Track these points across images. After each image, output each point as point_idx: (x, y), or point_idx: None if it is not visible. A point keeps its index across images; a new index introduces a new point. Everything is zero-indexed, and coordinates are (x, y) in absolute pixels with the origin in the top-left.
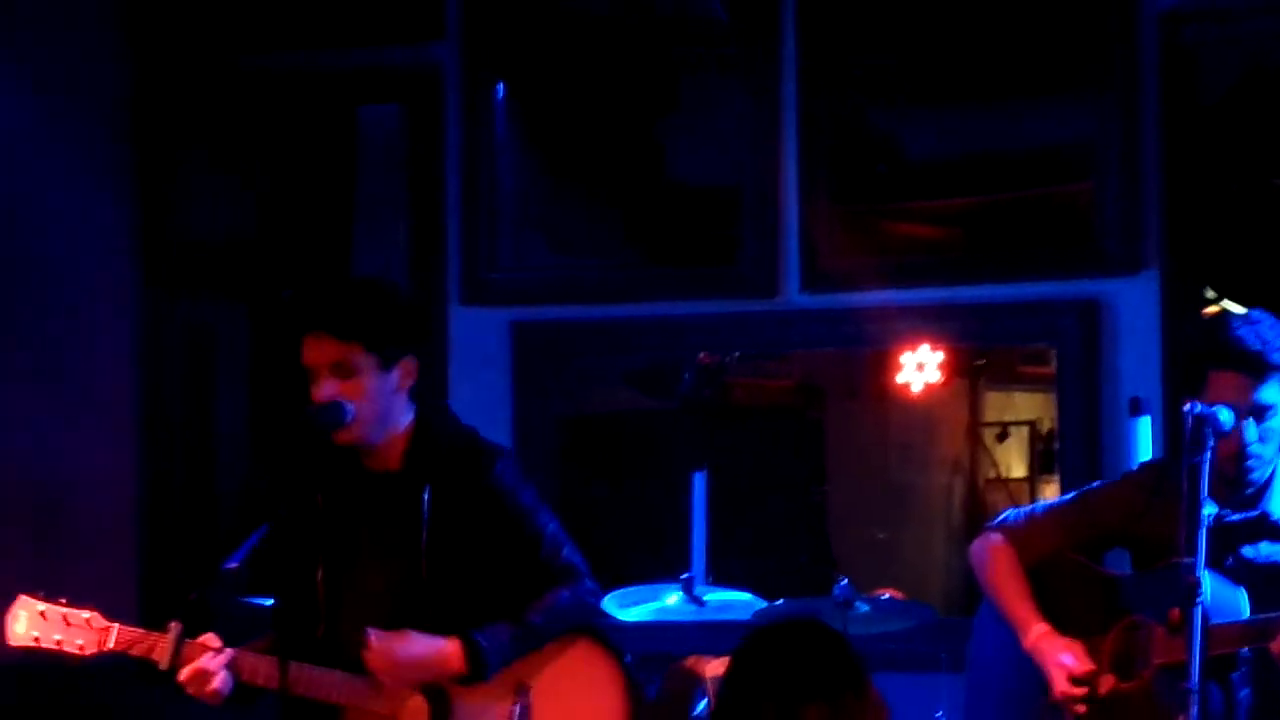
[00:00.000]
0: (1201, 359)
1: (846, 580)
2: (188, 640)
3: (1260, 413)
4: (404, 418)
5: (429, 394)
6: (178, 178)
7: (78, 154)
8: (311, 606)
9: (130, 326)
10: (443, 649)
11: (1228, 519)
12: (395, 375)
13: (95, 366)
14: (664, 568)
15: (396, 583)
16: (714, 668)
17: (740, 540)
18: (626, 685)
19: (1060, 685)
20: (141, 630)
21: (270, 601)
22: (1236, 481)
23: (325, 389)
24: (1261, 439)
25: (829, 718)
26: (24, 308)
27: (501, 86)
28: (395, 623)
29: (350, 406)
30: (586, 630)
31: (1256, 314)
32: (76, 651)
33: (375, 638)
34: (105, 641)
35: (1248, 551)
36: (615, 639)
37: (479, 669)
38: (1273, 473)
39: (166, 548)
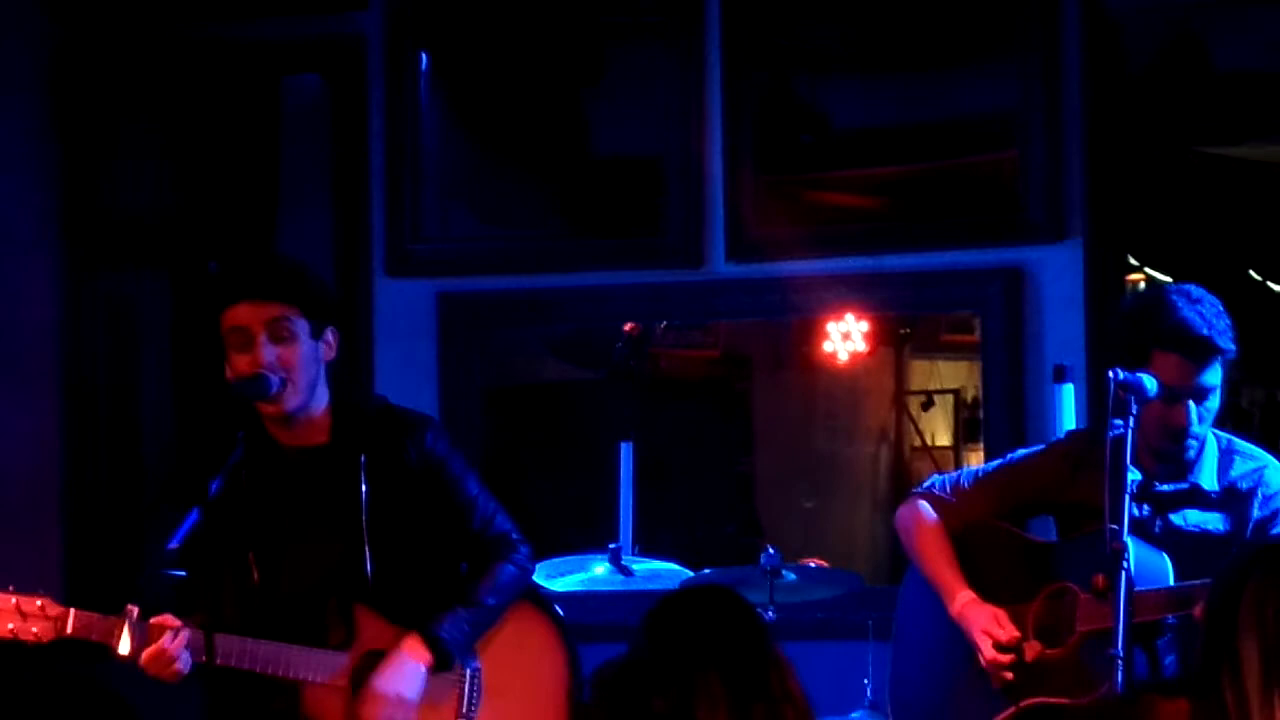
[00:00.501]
0: (1146, 338)
1: (773, 549)
2: (145, 623)
3: (1202, 394)
4: (324, 392)
5: (353, 366)
6: (100, 149)
7: None
8: (246, 584)
9: (52, 299)
10: (408, 653)
11: (1156, 488)
12: (321, 346)
13: (18, 341)
14: (592, 538)
15: (335, 557)
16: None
17: (667, 510)
18: (564, 640)
19: (987, 653)
20: (98, 615)
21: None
22: (1173, 458)
23: (263, 354)
24: (1200, 420)
25: (722, 685)
26: None
27: (425, 56)
28: (335, 595)
29: (275, 378)
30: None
31: (1197, 292)
32: (31, 639)
33: (359, 706)
34: (62, 628)
35: (1175, 519)
36: (546, 595)
37: (445, 659)
38: (1201, 443)
39: (90, 524)
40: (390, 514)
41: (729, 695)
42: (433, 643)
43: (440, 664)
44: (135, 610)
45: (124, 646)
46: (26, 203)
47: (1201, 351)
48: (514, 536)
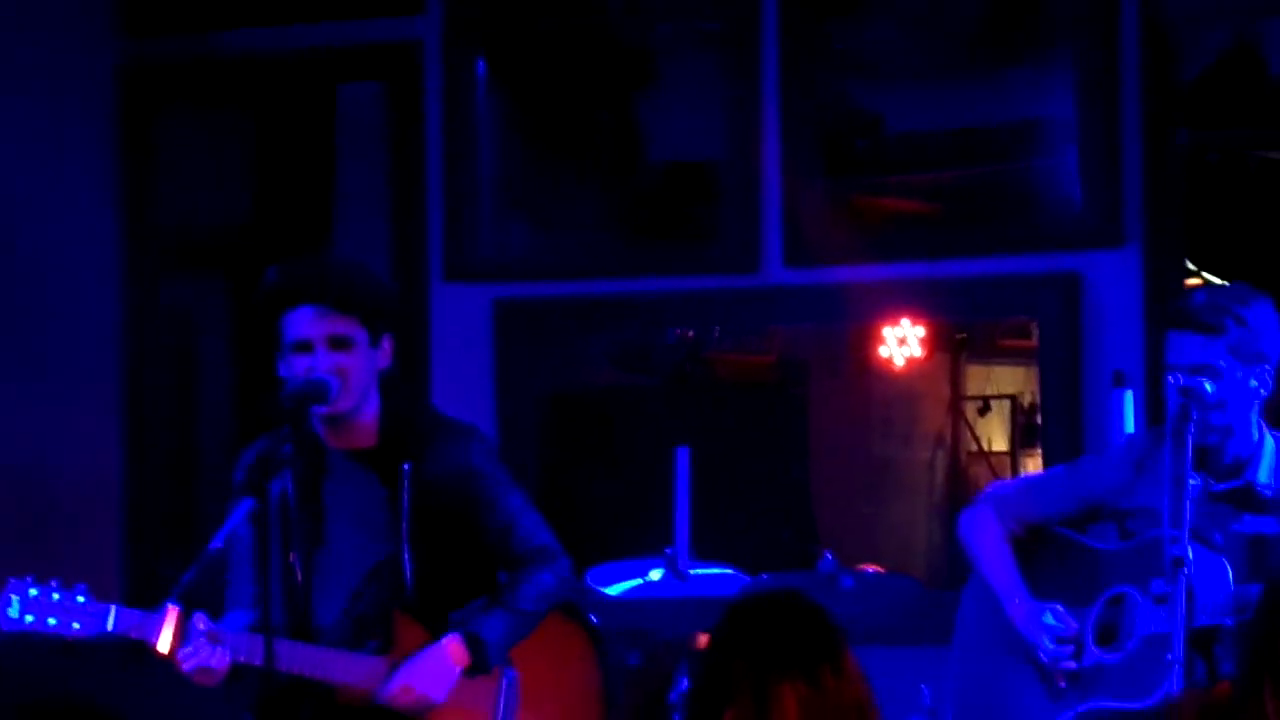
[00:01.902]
0: (1163, 324)
1: (830, 554)
2: (185, 622)
3: (1216, 374)
4: (374, 397)
5: (410, 372)
6: (159, 159)
7: (60, 136)
8: (289, 585)
9: (113, 309)
10: (445, 651)
11: (1213, 489)
12: (378, 354)
13: (79, 349)
14: (647, 544)
15: (374, 560)
16: (700, 643)
17: (723, 516)
18: (599, 655)
19: (1048, 647)
20: (140, 612)
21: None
22: (1211, 449)
23: (324, 360)
24: (1221, 395)
25: (805, 691)
26: (6, 292)
27: (482, 62)
28: (376, 602)
29: (335, 381)
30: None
31: (1231, 284)
32: (72, 634)
33: (383, 693)
34: (103, 624)
35: (1234, 523)
36: (585, 610)
37: (483, 661)
38: (1259, 442)
39: (150, 529)
40: (432, 522)
41: (800, 706)
42: (473, 643)
43: (477, 665)
44: (176, 610)
45: (164, 644)
46: (87, 212)
47: (1209, 327)
48: (554, 549)
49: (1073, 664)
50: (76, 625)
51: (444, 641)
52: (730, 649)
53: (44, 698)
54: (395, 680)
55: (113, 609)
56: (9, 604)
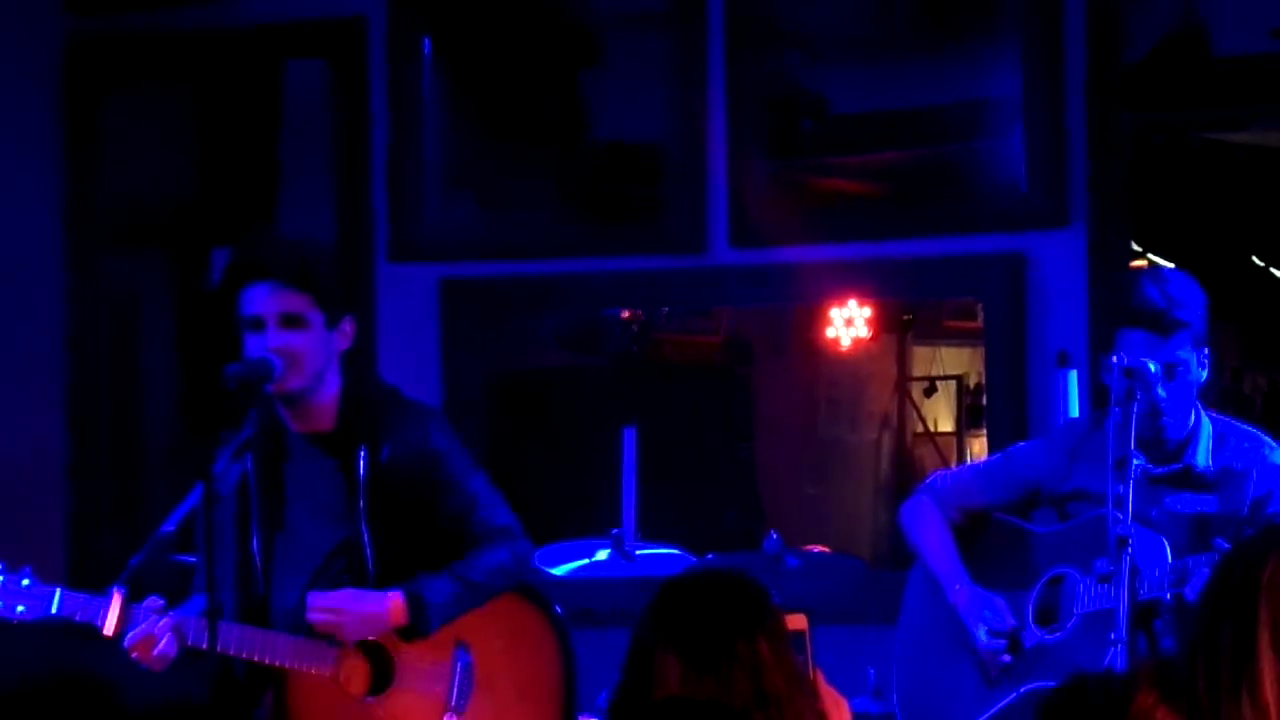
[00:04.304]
0: (1111, 319)
1: (776, 535)
2: (132, 605)
3: (1169, 371)
4: (334, 380)
5: (357, 353)
6: (103, 136)
7: (2, 113)
8: (247, 569)
9: (56, 287)
10: (385, 601)
11: (1152, 472)
12: (336, 335)
13: (21, 328)
14: (594, 524)
15: (335, 543)
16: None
17: (670, 496)
18: (560, 638)
19: (981, 639)
20: (84, 595)
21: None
22: (1154, 440)
23: (273, 339)
24: (1171, 397)
25: (736, 664)
26: None
27: (427, 41)
28: (334, 584)
29: (279, 361)
30: (518, 587)
31: (1168, 272)
32: (17, 618)
33: (315, 599)
34: (48, 607)
35: (1170, 502)
36: (545, 593)
37: (422, 622)
38: (1196, 425)
39: (94, 510)
40: (392, 505)
41: (750, 676)
42: (414, 601)
43: (416, 625)
44: (122, 593)
45: (109, 627)
46: (31, 188)
47: (1164, 325)
48: (515, 530)
49: (1007, 658)
50: (21, 609)
51: (388, 594)
52: (659, 630)
53: (42, 671)
54: (326, 598)
55: (57, 591)
56: None
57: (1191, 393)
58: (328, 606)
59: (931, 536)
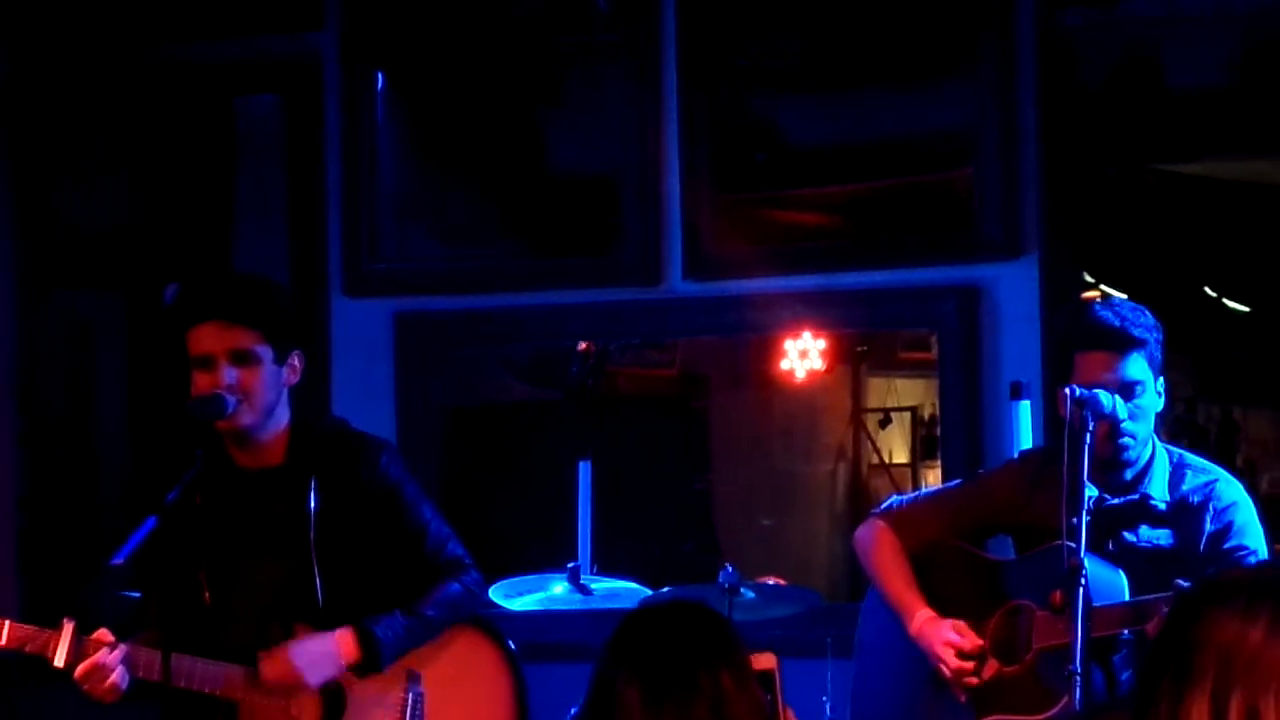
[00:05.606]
0: (1067, 344)
1: (731, 567)
2: (83, 637)
3: (1128, 390)
4: (284, 414)
5: (310, 387)
6: (54, 169)
7: None
8: (197, 603)
9: (8, 318)
10: (336, 641)
11: (1108, 503)
12: (285, 370)
13: None
14: (550, 557)
15: (285, 578)
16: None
17: (626, 529)
18: (513, 672)
19: (951, 663)
20: (34, 628)
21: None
22: (1112, 462)
23: (223, 376)
24: (1132, 417)
25: (701, 698)
26: None
27: (381, 76)
28: (284, 617)
29: (231, 398)
30: (471, 620)
31: (1117, 300)
32: None
33: (266, 666)
34: None
35: (1128, 535)
36: (498, 627)
37: (374, 659)
38: (1152, 456)
39: (47, 544)
40: (341, 536)
41: (711, 707)
42: (365, 638)
43: (368, 663)
44: (72, 624)
45: (59, 658)
46: None
47: (1118, 342)
48: (465, 562)
49: (975, 679)
50: None
51: (336, 632)
52: (620, 660)
53: None
54: (275, 653)
55: (6, 624)
56: None
57: (1149, 416)
58: (279, 672)
59: (888, 564)
